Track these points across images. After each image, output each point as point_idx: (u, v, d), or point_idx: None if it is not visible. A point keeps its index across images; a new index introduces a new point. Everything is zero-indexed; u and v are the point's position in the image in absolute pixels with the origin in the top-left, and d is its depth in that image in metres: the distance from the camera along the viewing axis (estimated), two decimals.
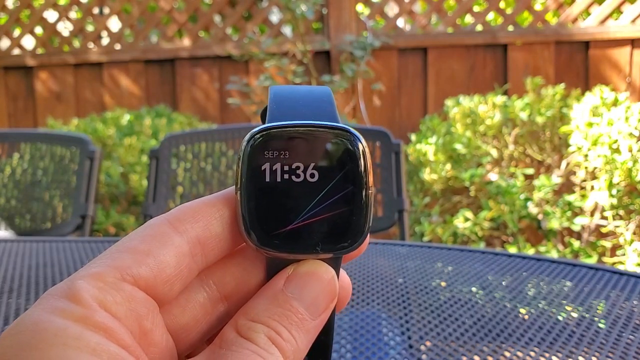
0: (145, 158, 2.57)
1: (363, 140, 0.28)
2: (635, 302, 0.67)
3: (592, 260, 2.20)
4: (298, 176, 0.28)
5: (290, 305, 0.27)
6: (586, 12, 3.10)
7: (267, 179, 0.27)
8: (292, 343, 0.26)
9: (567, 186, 2.50)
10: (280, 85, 0.32)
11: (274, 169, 0.27)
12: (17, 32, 3.59)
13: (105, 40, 3.54)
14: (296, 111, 0.29)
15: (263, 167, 0.27)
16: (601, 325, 0.60)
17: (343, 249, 0.28)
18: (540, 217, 2.31)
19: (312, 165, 0.28)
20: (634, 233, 2.21)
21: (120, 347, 0.23)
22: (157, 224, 0.27)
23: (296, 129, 0.28)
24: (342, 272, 0.30)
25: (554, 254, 2.26)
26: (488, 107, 2.51)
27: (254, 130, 0.28)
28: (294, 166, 0.28)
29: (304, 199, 0.28)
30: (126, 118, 2.85)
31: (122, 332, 0.24)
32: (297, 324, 0.27)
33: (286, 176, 0.28)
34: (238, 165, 0.28)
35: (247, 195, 0.28)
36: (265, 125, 0.28)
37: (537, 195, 2.29)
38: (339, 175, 0.28)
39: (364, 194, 0.28)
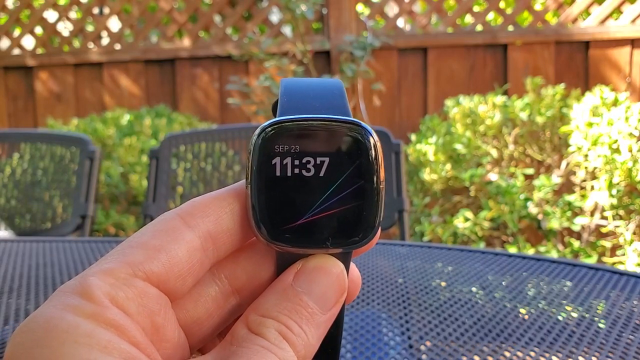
0: (145, 158, 2.57)
1: (374, 135, 0.28)
2: (635, 302, 0.67)
3: (592, 260, 2.20)
4: (309, 170, 0.27)
5: (300, 299, 0.27)
6: (586, 12, 3.10)
7: (278, 173, 0.27)
8: (302, 337, 0.26)
9: (567, 186, 2.50)
10: (291, 78, 0.32)
11: (284, 162, 0.27)
12: (17, 32, 3.59)
13: (105, 40, 3.54)
14: (307, 104, 0.29)
15: (274, 161, 0.27)
16: (601, 325, 0.60)
17: (353, 244, 0.28)
18: (540, 217, 2.31)
19: (322, 159, 0.27)
20: (634, 233, 2.21)
21: (131, 344, 0.23)
22: (168, 219, 0.27)
23: (307, 122, 0.28)
24: (351, 265, 0.30)
25: (554, 254, 2.26)
26: (488, 107, 2.51)
27: (265, 123, 0.28)
28: (304, 160, 0.27)
29: (315, 194, 0.27)
30: (126, 118, 2.85)
31: (133, 329, 0.24)
32: (308, 318, 0.27)
33: (297, 170, 0.27)
34: (248, 159, 0.28)
35: (257, 190, 0.27)
36: (276, 118, 0.28)
37: (537, 195, 2.29)
38: (350, 169, 0.27)
39: (375, 188, 0.28)
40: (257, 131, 0.28)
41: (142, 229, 0.27)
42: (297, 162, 0.27)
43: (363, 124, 0.28)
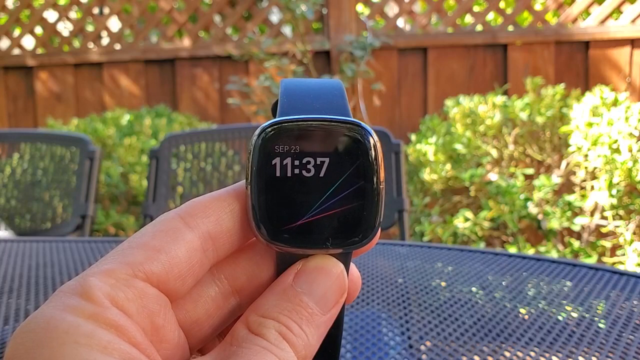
0: (145, 158, 2.57)
1: (374, 135, 0.28)
2: (635, 302, 0.67)
3: (592, 260, 2.20)
4: (309, 171, 0.27)
5: (300, 300, 0.27)
6: (586, 12, 3.10)
7: (278, 174, 0.27)
8: (302, 338, 0.26)
9: (567, 186, 2.50)
10: (291, 78, 0.32)
11: (284, 163, 0.27)
12: (17, 32, 3.59)
13: (105, 40, 3.54)
14: (307, 104, 0.29)
15: (274, 162, 0.27)
16: (601, 325, 0.60)
17: (353, 244, 0.28)
18: (540, 217, 2.31)
19: (322, 159, 0.27)
20: (634, 233, 2.21)
21: (131, 345, 0.23)
22: (168, 219, 0.27)
23: (307, 123, 0.28)
24: (351, 265, 0.30)
25: (554, 254, 2.26)
26: (488, 107, 2.51)
27: (265, 124, 0.28)
28: (304, 160, 0.27)
29: (315, 194, 0.27)
30: (126, 118, 2.85)
31: (133, 329, 0.24)
32: (308, 318, 0.27)
33: (297, 170, 0.27)
34: (248, 159, 0.27)
35: (257, 190, 0.27)
36: (276, 119, 0.28)
37: (537, 195, 2.29)
38: (350, 169, 0.27)
39: (375, 188, 0.28)
40: (257, 131, 0.28)
41: (142, 230, 0.27)
42: (297, 162, 0.27)
43: (363, 124, 0.28)
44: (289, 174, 0.27)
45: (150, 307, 0.25)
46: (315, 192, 0.27)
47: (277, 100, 0.30)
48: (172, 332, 0.26)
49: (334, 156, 0.27)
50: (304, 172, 0.27)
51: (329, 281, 0.28)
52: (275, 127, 0.27)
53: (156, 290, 0.26)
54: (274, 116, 0.29)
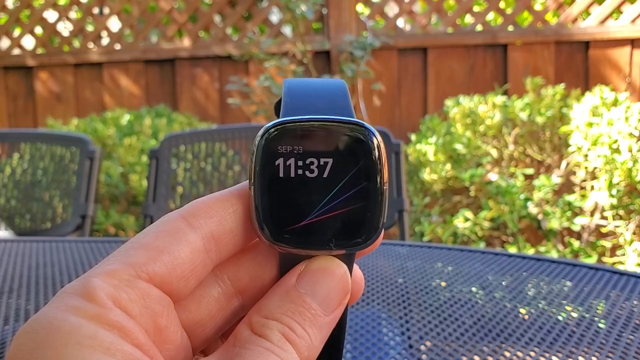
0: (145, 158, 2.57)
1: (378, 135, 0.28)
2: (635, 302, 0.67)
3: (592, 260, 2.20)
4: (312, 171, 0.27)
5: (303, 301, 0.27)
6: (586, 12, 3.10)
7: (281, 174, 0.27)
8: (306, 339, 0.26)
9: (567, 186, 2.51)
10: (294, 78, 0.32)
11: (287, 163, 0.27)
12: (17, 32, 3.59)
13: (105, 40, 3.54)
14: (310, 105, 0.29)
15: (277, 162, 0.27)
16: (601, 325, 0.60)
17: (357, 245, 0.28)
18: (540, 217, 2.31)
19: (326, 160, 0.27)
20: (634, 233, 2.21)
21: (134, 346, 0.23)
22: (171, 220, 0.27)
23: (310, 123, 0.27)
24: (354, 266, 0.30)
25: (554, 254, 2.26)
26: (488, 107, 2.51)
27: (268, 124, 0.28)
28: (307, 161, 0.27)
29: (318, 195, 0.27)
30: (126, 118, 2.85)
31: (136, 330, 0.24)
32: (311, 320, 0.27)
33: (300, 171, 0.27)
34: (251, 160, 0.27)
35: (260, 191, 0.27)
36: (280, 119, 0.28)
37: (537, 195, 2.29)
38: (354, 170, 0.27)
39: (378, 189, 0.27)
40: (261, 132, 0.27)
41: (145, 230, 0.27)
42: (300, 162, 0.27)
43: (366, 124, 0.28)
44: (292, 175, 0.27)
45: (153, 307, 0.25)
46: (319, 192, 0.27)
47: (279, 100, 0.30)
48: (175, 333, 0.26)
49: (338, 157, 0.27)
50: (307, 172, 0.27)
51: (332, 282, 0.28)
52: (278, 127, 0.27)
53: (159, 291, 0.26)
54: (277, 116, 0.29)
